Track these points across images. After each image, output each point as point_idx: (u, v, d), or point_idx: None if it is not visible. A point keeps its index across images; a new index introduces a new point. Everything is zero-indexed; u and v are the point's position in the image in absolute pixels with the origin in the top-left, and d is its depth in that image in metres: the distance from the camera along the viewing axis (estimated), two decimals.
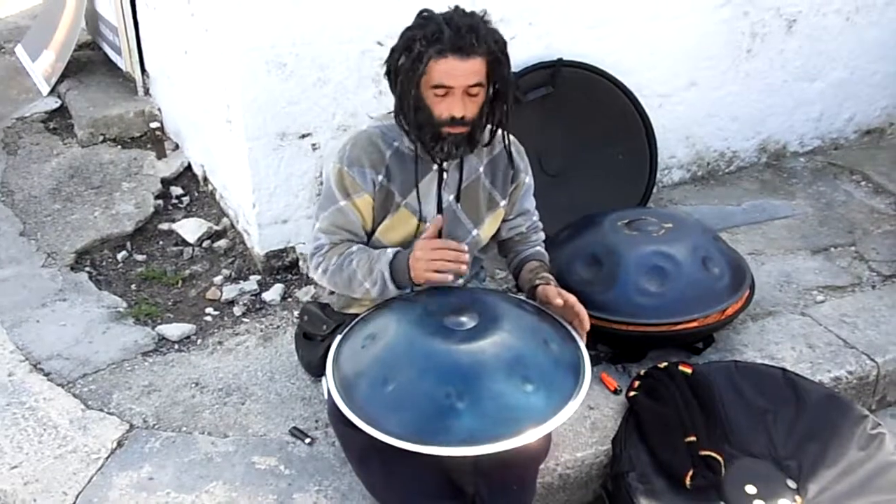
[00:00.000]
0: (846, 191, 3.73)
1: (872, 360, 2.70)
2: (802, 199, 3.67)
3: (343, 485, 2.24)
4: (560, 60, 3.20)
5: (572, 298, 2.19)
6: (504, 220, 2.41)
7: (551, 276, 2.34)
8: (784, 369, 2.56)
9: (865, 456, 2.33)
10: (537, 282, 2.29)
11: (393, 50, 2.13)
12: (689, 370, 2.47)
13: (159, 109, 4.07)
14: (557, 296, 2.19)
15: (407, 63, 2.07)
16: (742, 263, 2.78)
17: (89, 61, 4.57)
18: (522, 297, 2.33)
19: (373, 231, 2.28)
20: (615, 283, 2.58)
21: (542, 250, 2.49)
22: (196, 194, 3.73)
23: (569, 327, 2.17)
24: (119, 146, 3.98)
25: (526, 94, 3.16)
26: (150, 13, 3.83)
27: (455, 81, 2.04)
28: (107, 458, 2.33)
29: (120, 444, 2.38)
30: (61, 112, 4.26)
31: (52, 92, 4.36)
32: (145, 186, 3.69)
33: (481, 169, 2.29)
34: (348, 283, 2.20)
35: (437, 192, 2.25)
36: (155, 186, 3.69)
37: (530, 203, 2.45)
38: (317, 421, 2.45)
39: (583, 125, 3.29)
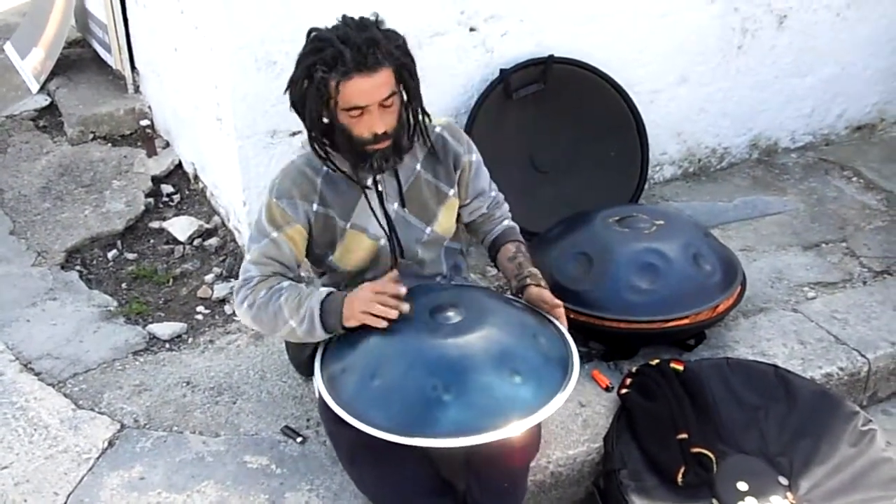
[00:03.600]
0: (837, 187, 3.74)
1: (863, 356, 2.70)
2: (794, 196, 3.67)
3: (335, 483, 2.24)
4: (551, 57, 3.19)
5: (560, 306, 2.18)
6: (462, 206, 2.36)
7: (538, 273, 2.29)
8: (775, 366, 2.56)
9: (857, 452, 2.33)
10: (528, 281, 2.25)
11: (292, 80, 2.04)
12: (680, 367, 2.47)
13: (149, 107, 4.06)
14: (549, 301, 2.18)
15: (312, 91, 1.98)
16: (733, 260, 2.79)
17: (79, 59, 4.56)
18: (509, 295, 2.32)
19: (316, 259, 2.25)
20: (606, 281, 2.58)
21: (510, 224, 2.44)
22: (187, 192, 3.71)
23: (557, 322, 2.16)
24: (109, 144, 3.97)
25: (517, 91, 3.16)
26: (140, 10, 3.81)
27: (368, 99, 1.97)
28: (98, 457, 2.32)
29: (111, 444, 2.37)
30: (51, 110, 4.24)
31: (41, 89, 4.34)
32: (136, 185, 3.68)
33: (418, 167, 2.23)
34: (273, 319, 2.07)
35: (380, 206, 2.20)
36: (145, 184, 3.68)
37: (484, 181, 2.37)
38: (308, 420, 2.45)
39: (574, 121, 3.29)
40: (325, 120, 2.04)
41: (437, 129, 2.26)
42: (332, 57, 1.94)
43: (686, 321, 2.56)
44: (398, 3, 2.90)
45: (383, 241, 2.21)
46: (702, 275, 2.61)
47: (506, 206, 2.48)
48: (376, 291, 2.01)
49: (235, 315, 2.95)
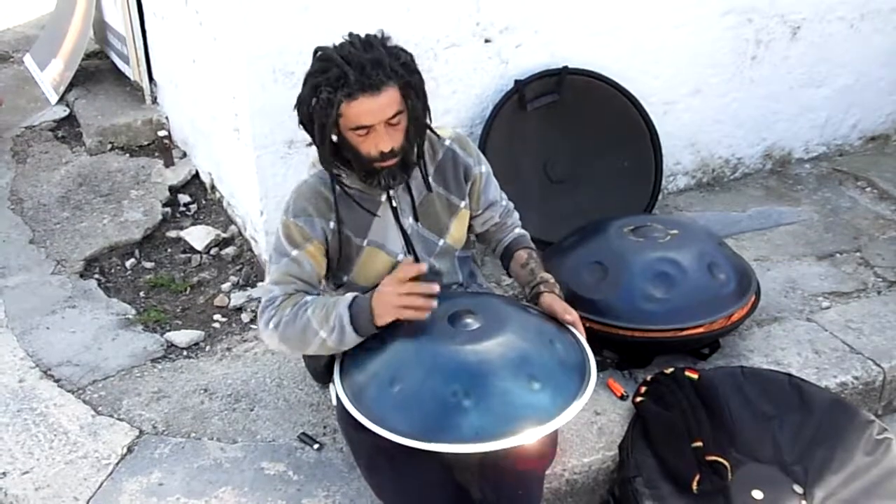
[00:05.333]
0: (851, 197, 3.74)
1: (878, 365, 2.70)
2: (808, 206, 3.67)
3: (351, 490, 2.26)
4: (565, 68, 3.21)
5: (576, 317, 2.17)
6: (474, 216, 2.37)
7: (551, 279, 2.28)
8: (790, 375, 2.56)
9: (872, 461, 2.33)
10: (542, 288, 2.25)
11: (300, 99, 2.04)
12: (695, 376, 2.48)
13: (167, 118, 4.10)
14: (565, 312, 2.17)
15: (318, 110, 1.98)
16: (747, 269, 2.79)
17: (97, 70, 4.61)
18: (526, 303, 2.34)
19: (331, 277, 2.24)
20: (621, 290, 2.60)
21: (522, 232, 2.45)
22: (204, 202, 3.75)
23: (574, 330, 2.17)
24: (127, 154, 4.01)
25: (532, 102, 3.18)
26: (158, 22, 3.86)
27: (373, 119, 1.96)
28: (117, 463, 2.35)
29: (130, 450, 2.40)
30: (69, 120, 4.30)
31: (60, 101, 4.39)
32: (153, 194, 3.72)
33: (430, 180, 2.23)
34: (302, 334, 2.04)
35: (395, 222, 2.20)
36: (163, 194, 3.72)
37: (495, 192, 2.37)
38: (325, 427, 2.47)
39: (588, 132, 3.31)
40: (334, 138, 2.04)
41: (447, 142, 2.26)
42: (337, 77, 1.94)
43: (700, 330, 2.57)
44: (414, 14, 2.94)
45: (401, 257, 2.21)
46: (716, 284, 2.62)
47: (516, 215, 2.49)
48: (406, 289, 1.99)
49: (253, 324, 2.98)
